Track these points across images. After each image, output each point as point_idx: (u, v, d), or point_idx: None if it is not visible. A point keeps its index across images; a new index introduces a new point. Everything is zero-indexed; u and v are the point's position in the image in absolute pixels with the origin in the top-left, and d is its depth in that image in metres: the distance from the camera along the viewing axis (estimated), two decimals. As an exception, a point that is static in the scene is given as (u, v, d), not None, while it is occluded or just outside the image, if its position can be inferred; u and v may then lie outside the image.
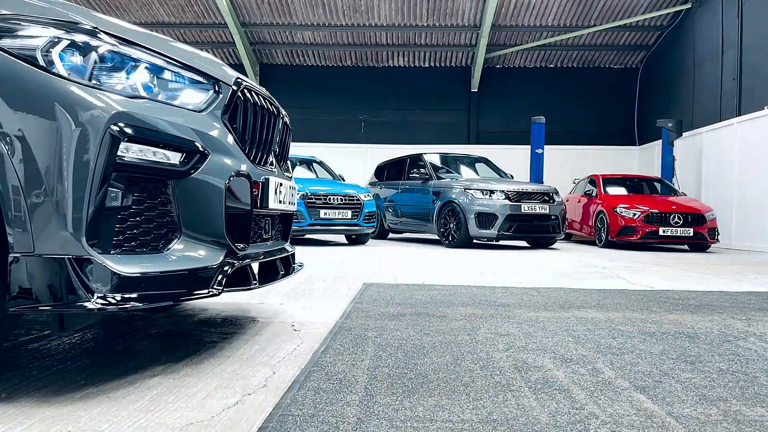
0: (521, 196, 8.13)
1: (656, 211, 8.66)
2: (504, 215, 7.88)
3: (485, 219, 7.92)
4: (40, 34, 1.37)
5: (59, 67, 1.37)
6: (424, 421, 1.31)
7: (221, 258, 1.68)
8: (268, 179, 1.94)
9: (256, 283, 1.88)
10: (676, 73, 13.69)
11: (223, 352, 1.93)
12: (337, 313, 2.70)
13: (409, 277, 4.29)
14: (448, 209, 8.34)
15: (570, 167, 14.73)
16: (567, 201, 10.93)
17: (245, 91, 1.84)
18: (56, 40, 1.39)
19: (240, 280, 1.82)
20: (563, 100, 15.97)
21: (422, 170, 9.25)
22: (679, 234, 8.56)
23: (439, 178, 9.03)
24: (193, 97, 1.66)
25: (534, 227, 8.17)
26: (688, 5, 13.19)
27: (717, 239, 8.86)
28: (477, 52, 15.00)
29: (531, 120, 12.72)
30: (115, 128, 1.39)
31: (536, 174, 12.39)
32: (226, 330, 2.28)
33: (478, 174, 9.57)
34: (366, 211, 8.18)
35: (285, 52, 16.10)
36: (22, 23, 1.37)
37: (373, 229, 8.71)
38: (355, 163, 15.15)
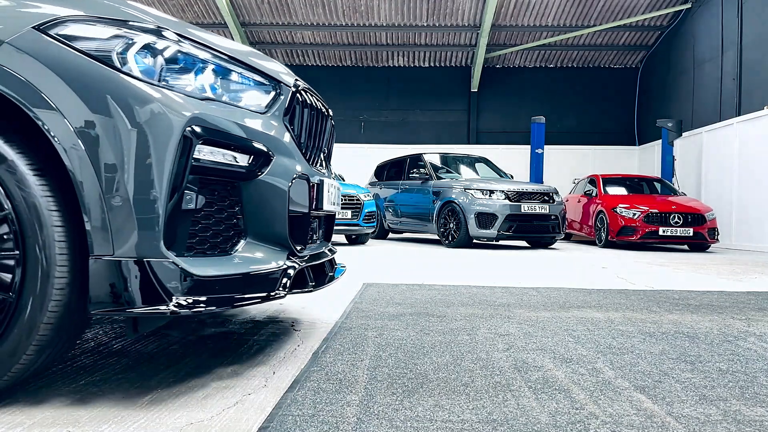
0: (521, 196, 8.13)
1: (656, 211, 8.67)
2: (504, 215, 7.89)
3: (485, 219, 7.92)
4: (115, 35, 1.37)
5: (135, 69, 1.36)
6: (424, 421, 1.31)
7: (284, 260, 1.68)
8: (322, 181, 1.95)
9: (313, 285, 1.87)
10: (675, 73, 13.69)
11: (222, 351, 1.93)
12: (337, 313, 2.70)
13: (409, 276, 4.30)
14: (448, 209, 8.34)
15: (570, 167, 14.76)
16: (567, 201, 10.94)
17: (302, 92, 1.85)
18: (131, 41, 1.38)
19: (298, 282, 1.81)
20: (563, 100, 15.98)
21: (422, 170, 9.25)
22: (679, 234, 8.56)
23: (439, 178, 9.03)
24: (257, 98, 1.65)
25: (534, 227, 8.17)
26: (688, 5, 13.19)
27: (717, 239, 8.86)
28: (477, 52, 15.00)
29: (531, 120, 12.73)
30: (191, 130, 1.38)
31: (536, 174, 12.40)
32: (226, 330, 2.28)
33: (478, 174, 9.57)
34: (366, 211, 8.18)
35: (285, 52, 16.11)
36: (98, 24, 1.36)
37: (373, 229, 8.71)
38: (355, 163, 15.15)
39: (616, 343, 2.14)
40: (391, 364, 1.78)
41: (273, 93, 1.70)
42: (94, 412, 1.33)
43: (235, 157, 1.51)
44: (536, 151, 12.42)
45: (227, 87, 1.57)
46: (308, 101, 1.90)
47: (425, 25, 14.70)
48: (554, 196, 8.44)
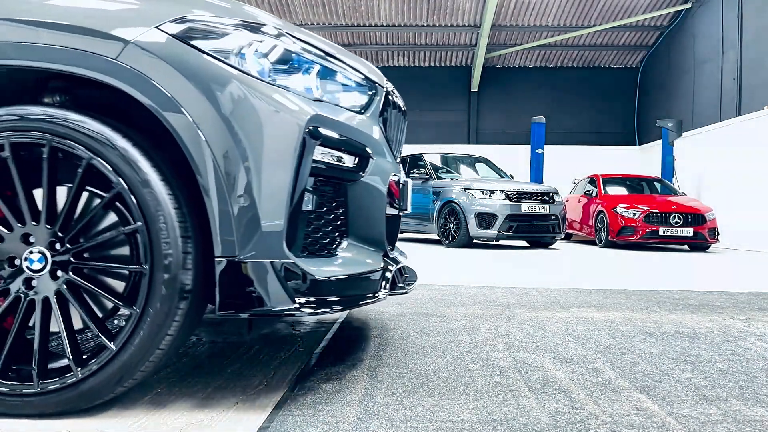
0: (521, 196, 8.13)
1: (656, 211, 8.66)
2: (504, 215, 7.88)
3: (485, 219, 7.92)
4: (233, 35, 1.36)
5: (254, 69, 1.35)
6: (424, 421, 1.31)
7: (381, 261, 1.68)
8: (407, 181, 1.96)
9: (403, 287, 1.84)
10: (676, 73, 13.69)
11: (223, 352, 1.93)
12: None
13: (409, 277, 4.29)
14: (448, 209, 8.34)
15: (570, 167, 14.73)
16: (567, 201, 10.93)
17: (391, 92, 1.85)
18: (249, 41, 1.37)
19: (391, 283, 1.79)
20: (563, 100, 15.98)
21: (422, 170, 9.25)
22: (679, 234, 8.56)
23: (439, 177, 9.02)
24: (358, 99, 1.65)
25: (534, 227, 8.17)
26: (688, 5, 13.19)
27: (717, 239, 8.86)
28: (477, 52, 15.00)
29: (531, 120, 12.72)
30: (310, 131, 1.37)
31: (536, 174, 12.39)
32: (226, 330, 2.28)
33: (478, 174, 9.57)
34: (366, 211, 8.17)
35: (285, 52, 16.10)
36: (216, 24, 1.35)
37: (373, 229, 8.69)
38: (355, 163, 15.12)
39: (616, 343, 2.14)
40: (391, 364, 1.78)
41: (370, 93, 1.69)
42: (93, 412, 1.33)
43: (343, 158, 1.50)
44: (536, 151, 12.41)
45: (334, 87, 1.57)
46: (396, 101, 1.90)
47: (425, 25, 14.70)
48: (554, 196, 8.44)
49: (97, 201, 1.39)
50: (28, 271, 1.30)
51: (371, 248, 1.67)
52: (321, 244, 1.52)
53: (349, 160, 1.53)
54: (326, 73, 1.54)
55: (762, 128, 9.92)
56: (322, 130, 1.41)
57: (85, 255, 1.35)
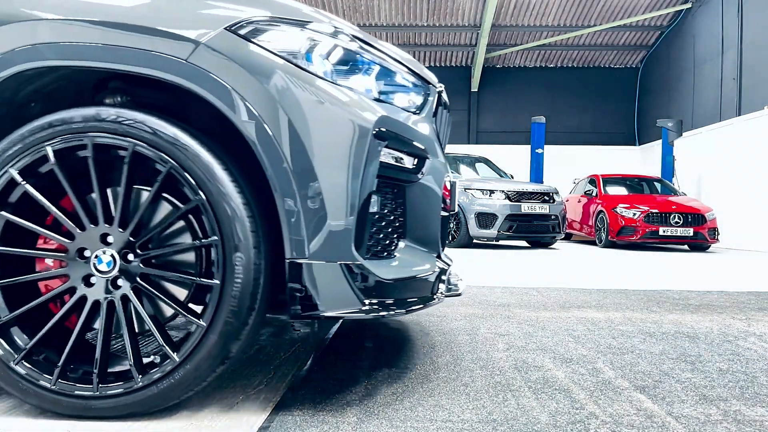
0: (521, 195, 8.13)
1: (656, 210, 8.66)
2: (504, 215, 7.89)
3: (485, 219, 7.92)
4: (300, 36, 1.35)
5: (320, 71, 1.35)
6: (424, 421, 1.31)
7: (435, 263, 1.67)
8: (455, 182, 1.95)
9: (453, 288, 1.82)
10: (676, 73, 13.69)
11: (223, 352, 1.93)
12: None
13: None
14: (448, 209, 8.33)
15: (570, 167, 14.74)
16: (567, 201, 10.93)
17: (443, 92, 1.85)
18: (316, 43, 1.36)
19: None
20: (563, 100, 15.98)
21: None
22: (679, 234, 8.56)
23: (439, 178, 9.02)
24: (414, 99, 1.64)
25: (534, 227, 8.17)
26: (688, 5, 13.20)
27: (717, 239, 8.86)
28: (477, 52, 15.01)
29: (531, 120, 12.72)
30: (377, 132, 1.37)
31: (536, 174, 12.39)
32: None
33: (478, 174, 9.57)
34: (366, 211, 8.17)
35: (285, 52, 16.09)
36: (283, 25, 1.35)
37: (373, 229, 8.69)
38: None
39: (616, 343, 2.14)
40: (391, 364, 1.79)
41: (424, 93, 1.68)
42: (94, 412, 1.33)
43: (403, 159, 1.50)
44: (536, 151, 12.41)
45: (392, 88, 1.56)
46: (445, 101, 1.90)
47: (425, 25, 14.70)
48: (554, 196, 8.44)
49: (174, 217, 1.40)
50: (93, 268, 1.30)
51: (426, 249, 1.67)
52: (382, 246, 1.51)
53: (408, 161, 1.52)
54: (385, 74, 1.53)
55: (762, 128, 9.92)
56: (387, 131, 1.40)
57: (150, 277, 1.34)
